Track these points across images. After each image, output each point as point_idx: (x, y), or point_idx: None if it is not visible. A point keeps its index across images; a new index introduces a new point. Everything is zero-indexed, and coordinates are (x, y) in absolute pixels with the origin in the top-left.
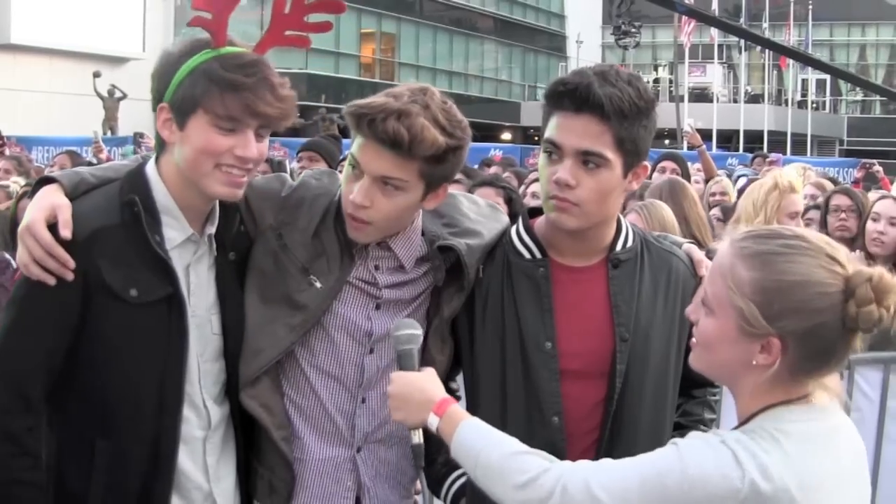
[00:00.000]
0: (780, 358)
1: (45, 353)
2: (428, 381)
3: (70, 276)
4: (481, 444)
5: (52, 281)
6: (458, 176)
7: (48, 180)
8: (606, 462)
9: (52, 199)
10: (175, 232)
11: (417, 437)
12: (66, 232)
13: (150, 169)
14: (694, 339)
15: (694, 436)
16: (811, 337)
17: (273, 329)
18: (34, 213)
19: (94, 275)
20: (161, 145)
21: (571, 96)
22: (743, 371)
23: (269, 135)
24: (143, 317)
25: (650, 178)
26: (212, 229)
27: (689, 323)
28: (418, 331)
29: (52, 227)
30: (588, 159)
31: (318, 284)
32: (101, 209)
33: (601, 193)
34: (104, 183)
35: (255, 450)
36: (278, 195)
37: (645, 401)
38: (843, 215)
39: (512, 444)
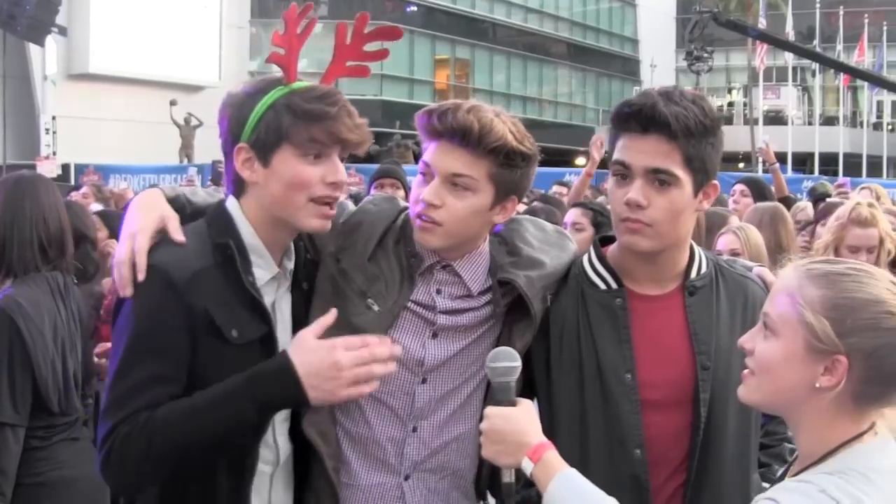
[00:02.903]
0: (844, 379)
1: (167, 384)
2: (525, 422)
3: (129, 292)
4: (575, 502)
5: (129, 291)
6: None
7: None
8: None
9: (160, 209)
10: (262, 271)
11: (509, 476)
12: (179, 236)
13: (234, 208)
14: (748, 370)
15: (790, 488)
16: (876, 358)
17: None
18: (143, 220)
19: (201, 316)
20: (240, 186)
21: (637, 117)
22: (805, 396)
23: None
24: (241, 357)
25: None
26: (290, 265)
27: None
28: (517, 363)
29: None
30: (659, 178)
31: (375, 308)
32: (197, 251)
33: (673, 213)
34: (196, 213)
35: (306, 479)
36: (337, 221)
37: (730, 428)
38: None
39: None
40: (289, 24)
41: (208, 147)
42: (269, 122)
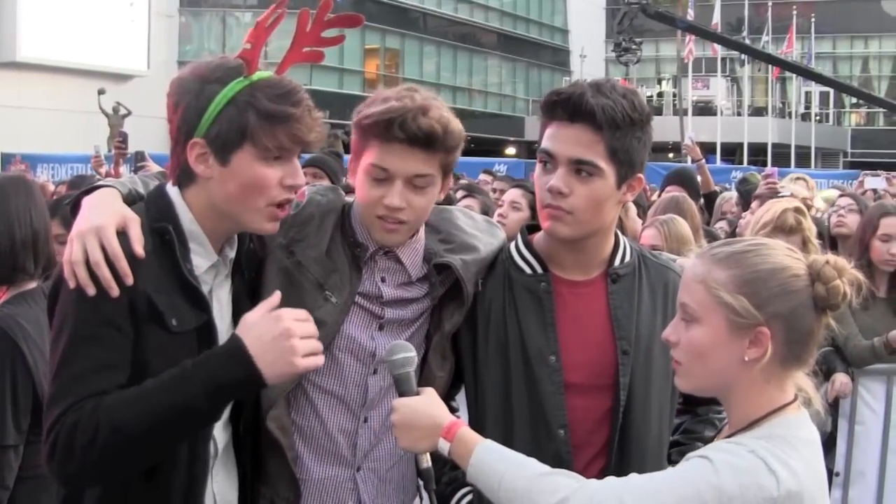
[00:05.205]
0: (769, 348)
1: (112, 372)
2: (432, 406)
3: (116, 292)
4: (503, 468)
5: (92, 291)
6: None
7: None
8: (637, 478)
9: (120, 209)
10: (201, 259)
11: (426, 462)
12: (138, 248)
13: (174, 194)
14: (677, 360)
15: (720, 448)
16: (793, 319)
17: None
18: (105, 216)
19: (141, 301)
20: (188, 177)
21: (565, 106)
22: (737, 372)
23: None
24: (179, 345)
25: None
26: (231, 254)
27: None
28: (412, 353)
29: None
30: (581, 168)
31: (333, 300)
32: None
33: (594, 202)
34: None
35: (258, 473)
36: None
37: (651, 413)
38: (842, 212)
39: (535, 465)
40: (259, 21)
41: (138, 136)
42: (230, 120)
